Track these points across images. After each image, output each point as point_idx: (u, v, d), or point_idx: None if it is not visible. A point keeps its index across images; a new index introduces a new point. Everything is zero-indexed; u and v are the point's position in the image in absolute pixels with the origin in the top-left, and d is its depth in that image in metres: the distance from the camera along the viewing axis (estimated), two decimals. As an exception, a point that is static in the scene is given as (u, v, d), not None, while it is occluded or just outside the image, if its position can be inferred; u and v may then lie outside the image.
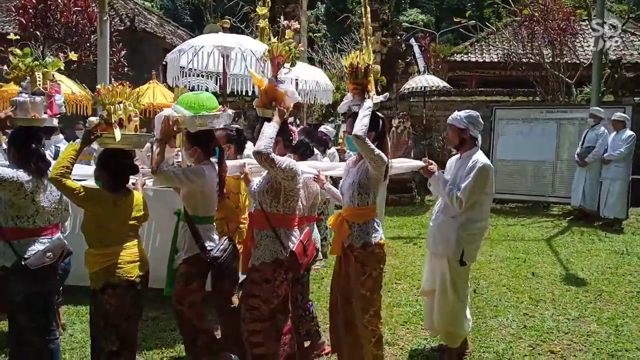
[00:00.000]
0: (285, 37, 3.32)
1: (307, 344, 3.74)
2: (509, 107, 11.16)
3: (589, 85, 10.45)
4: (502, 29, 14.61)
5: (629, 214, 8.58)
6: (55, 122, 3.51)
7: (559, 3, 12.23)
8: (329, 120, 23.69)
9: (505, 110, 10.78)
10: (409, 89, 10.63)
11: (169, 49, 5.41)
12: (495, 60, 16.34)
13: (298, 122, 8.92)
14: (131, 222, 2.98)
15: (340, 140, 18.57)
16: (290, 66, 3.14)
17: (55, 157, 4.01)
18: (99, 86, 2.99)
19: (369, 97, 3.13)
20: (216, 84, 6.45)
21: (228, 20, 6.02)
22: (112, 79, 9.18)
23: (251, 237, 3.11)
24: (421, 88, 10.46)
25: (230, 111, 3.32)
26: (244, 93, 6.25)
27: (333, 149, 7.66)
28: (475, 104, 12.22)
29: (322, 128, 7.62)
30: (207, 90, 7.29)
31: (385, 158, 3.07)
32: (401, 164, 4.20)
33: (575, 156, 8.80)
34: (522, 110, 10.72)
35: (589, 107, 9.04)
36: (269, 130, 2.85)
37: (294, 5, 13.73)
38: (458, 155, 3.65)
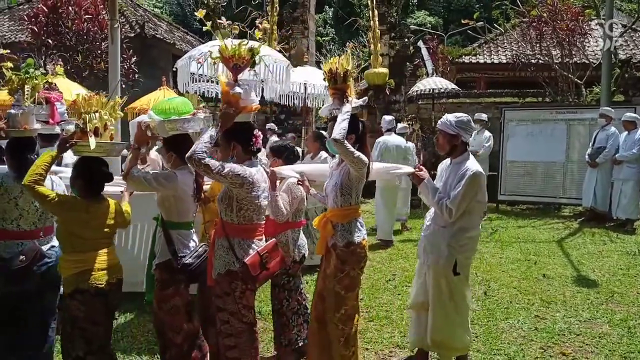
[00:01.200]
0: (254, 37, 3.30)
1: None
2: (519, 109, 11.12)
3: (599, 85, 10.39)
4: (511, 30, 14.60)
5: (641, 214, 8.52)
6: (57, 129, 3.60)
7: (567, 3, 12.18)
8: (338, 123, 23.74)
9: (515, 111, 10.75)
10: (417, 91, 10.62)
11: (179, 55, 5.48)
12: (504, 61, 16.29)
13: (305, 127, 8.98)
14: (105, 229, 3.02)
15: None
16: (251, 67, 3.05)
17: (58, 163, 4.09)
18: (75, 96, 3.05)
19: (348, 102, 3.16)
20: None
21: (236, 26, 6.06)
22: (123, 86, 9.28)
23: (212, 246, 3.03)
24: (430, 90, 10.45)
25: (201, 114, 3.24)
26: (252, 98, 6.28)
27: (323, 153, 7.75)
28: (484, 105, 12.21)
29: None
30: (217, 95, 7.36)
31: (366, 159, 3.10)
32: (390, 170, 4.20)
33: (586, 157, 8.75)
34: (532, 112, 10.69)
35: (599, 108, 9.00)
36: (206, 135, 2.76)
37: (302, 9, 13.82)
38: (448, 161, 3.56)
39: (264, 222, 3.06)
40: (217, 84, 6.31)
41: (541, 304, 4.93)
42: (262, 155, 4.22)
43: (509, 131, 10.43)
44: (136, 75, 11.92)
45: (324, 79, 3.32)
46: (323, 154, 6.27)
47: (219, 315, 2.95)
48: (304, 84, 7.66)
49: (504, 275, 5.86)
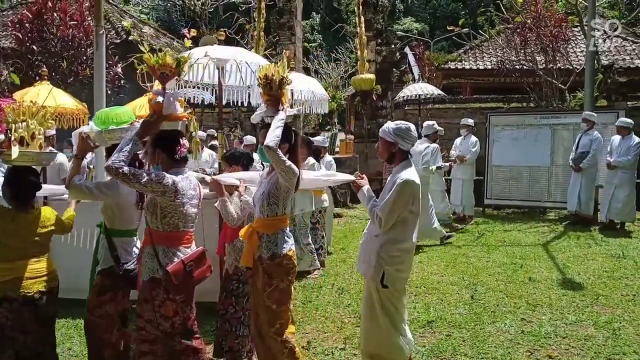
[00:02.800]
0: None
1: None
2: (504, 114, 11.24)
3: (582, 91, 10.53)
4: (496, 37, 14.76)
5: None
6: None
7: (551, 10, 12.37)
8: (326, 129, 23.79)
9: (500, 116, 10.86)
10: (403, 97, 10.68)
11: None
12: (489, 67, 16.45)
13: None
14: (35, 238, 3.03)
15: (337, 149, 18.64)
16: (178, 76, 3.06)
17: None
18: (4, 105, 3.07)
19: (282, 109, 3.15)
20: (212, 95, 6.49)
21: (223, 33, 6.05)
22: (109, 92, 9.21)
23: (141, 253, 3.03)
24: (416, 96, 10.50)
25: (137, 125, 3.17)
26: (239, 104, 6.28)
27: (330, 157, 7.73)
28: (470, 110, 12.32)
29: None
30: (203, 101, 7.33)
31: (297, 170, 3.08)
32: (330, 177, 4.18)
33: (570, 161, 8.85)
34: (516, 117, 10.80)
35: (583, 112, 9.12)
36: (124, 143, 2.74)
37: (289, 15, 13.83)
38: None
39: (192, 230, 3.03)
40: (204, 89, 6.33)
41: (527, 307, 4.96)
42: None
43: (494, 136, 10.52)
44: (122, 82, 11.84)
45: (258, 85, 3.29)
46: (311, 159, 6.28)
47: (137, 321, 2.94)
48: (291, 89, 7.66)
49: (491, 279, 5.89)
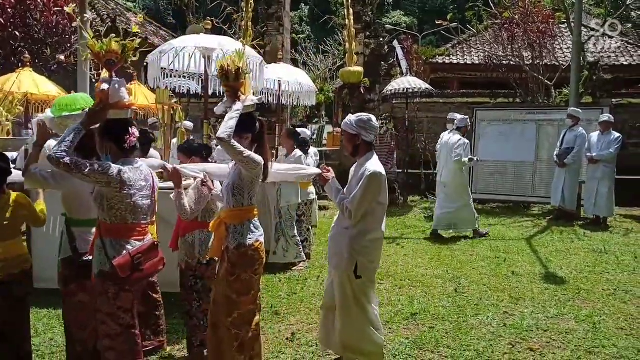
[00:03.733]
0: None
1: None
2: (490, 109, 11.32)
3: (568, 87, 10.63)
4: (483, 32, 14.82)
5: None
6: None
7: (538, 6, 12.44)
8: (314, 121, 23.74)
9: (486, 111, 10.93)
10: (391, 90, 10.68)
11: (151, 50, 5.38)
12: (477, 62, 16.55)
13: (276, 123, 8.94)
14: (4, 222, 3.06)
15: (324, 142, 18.61)
16: (125, 63, 2.99)
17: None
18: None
19: (239, 100, 3.11)
20: (198, 84, 6.43)
21: (210, 22, 5.99)
22: (93, 80, 9.07)
23: (92, 245, 2.98)
24: (404, 90, 10.52)
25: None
26: (226, 94, 6.23)
27: (314, 149, 7.75)
28: (457, 105, 12.38)
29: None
30: (189, 91, 7.27)
31: (259, 159, 3.05)
32: (296, 171, 4.14)
33: (554, 157, 8.94)
34: (503, 112, 10.86)
35: (568, 109, 9.21)
36: (68, 132, 2.68)
37: (277, 6, 13.74)
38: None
39: (146, 222, 2.96)
40: (190, 79, 6.26)
41: (510, 300, 5.02)
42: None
43: (481, 131, 10.59)
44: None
45: (217, 77, 3.25)
46: (298, 151, 6.26)
47: (97, 316, 2.89)
48: (279, 81, 7.63)
49: (474, 272, 5.94)
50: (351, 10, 12.48)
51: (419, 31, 26.48)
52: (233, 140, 2.91)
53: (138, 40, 2.95)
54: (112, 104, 2.81)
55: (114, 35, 2.91)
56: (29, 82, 7.25)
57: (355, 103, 12.80)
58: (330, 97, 18.22)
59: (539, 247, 7.18)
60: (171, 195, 3.40)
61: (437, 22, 14.11)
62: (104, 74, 2.92)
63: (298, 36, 26.98)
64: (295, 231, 6.22)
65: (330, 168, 3.56)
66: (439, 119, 11.16)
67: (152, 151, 7.94)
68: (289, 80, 7.74)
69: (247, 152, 2.98)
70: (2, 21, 10.75)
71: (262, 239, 3.17)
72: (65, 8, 3.26)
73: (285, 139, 6.39)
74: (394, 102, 12.34)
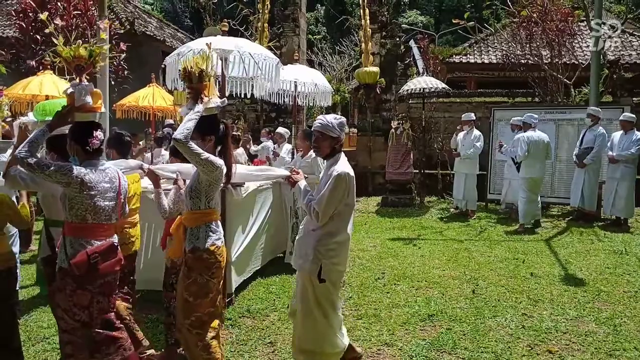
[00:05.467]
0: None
1: None
2: (508, 108, 11.18)
3: (588, 86, 10.47)
4: (501, 30, 14.66)
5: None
6: None
7: (557, 4, 12.26)
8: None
9: (504, 111, 10.78)
10: (408, 90, 10.64)
11: (169, 52, 5.44)
12: (494, 61, 16.38)
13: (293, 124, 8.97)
14: None
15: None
16: (94, 68, 3.04)
17: None
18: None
19: (201, 102, 3.11)
20: (216, 86, 6.46)
21: (227, 23, 6.03)
22: (113, 82, 9.19)
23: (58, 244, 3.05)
24: (420, 90, 10.46)
25: None
26: (242, 96, 6.27)
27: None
28: (474, 105, 12.28)
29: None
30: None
31: (218, 162, 3.04)
32: (263, 173, 4.15)
33: (574, 157, 8.82)
34: (521, 111, 10.67)
35: (587, 108, 9.07)
36: (34, 133, 2.76)
37: (293, 7, 13.79)
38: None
39: (107, 223, 2.96)
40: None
41: (529, 302, 4.96)
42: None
43: (498, 131, 10.48)
44: (125, 72, 11.83)
45: (181, 79, 3.27)
46: (312, 153, 6.26)
47: (56, 312, 2.97)
48: (295, 82, 7.65)
49: (492, 273, 5.89)
50: (367, 11, 12.49)
51: (436, 30, 26.35)
52: (190, 142, 2.93)
53: (106, 47, 3.03)
54: (77, 107, 2.87)
55: (79, 41, 3.00)
56: (49, 84, 7.39)
57: (372, 103, 12.80)
58: (346, 98, 18.18)
59: (558, 248, 7.09)
60: (151, 196, 3.46)
61: (453, 22, 13.95)
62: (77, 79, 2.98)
63: (314, 37, 27.02)
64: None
65: (299, 171, 3.56)
66: (456, 118, 11.08)
67: (162, 151, 8.08)
68: (305, 81, 7.76)
69: (206, 155, 2.98)
70: (24, 25, 10.98)
71: (219, 243, 3.15)
72: (40, 15, 3.34)
73: (302, 140, 6.40)
74: (410, 102, 12.30)
